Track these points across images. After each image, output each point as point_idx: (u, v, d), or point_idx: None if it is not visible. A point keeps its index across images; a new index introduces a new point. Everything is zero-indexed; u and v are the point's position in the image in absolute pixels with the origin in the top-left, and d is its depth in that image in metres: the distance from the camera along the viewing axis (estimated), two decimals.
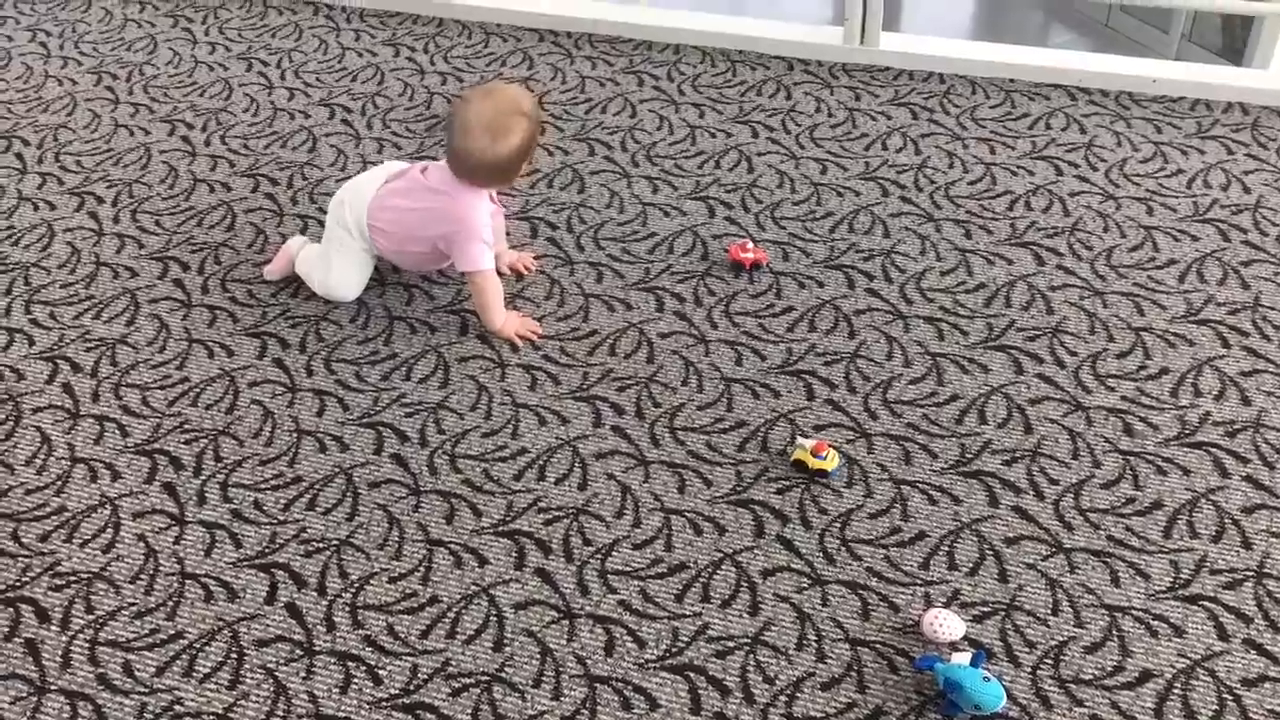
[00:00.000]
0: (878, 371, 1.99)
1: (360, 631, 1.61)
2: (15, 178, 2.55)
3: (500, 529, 1.75)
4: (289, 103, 2.78)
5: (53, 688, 1.56)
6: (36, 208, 2.46)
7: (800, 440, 1.83)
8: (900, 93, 2.73)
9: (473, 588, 1.67)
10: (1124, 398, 1.92)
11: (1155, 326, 2.05)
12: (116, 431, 1.93)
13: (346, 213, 2.07)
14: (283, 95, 2.81)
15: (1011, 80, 2.74)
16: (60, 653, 1.60)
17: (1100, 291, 2.13)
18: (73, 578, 1.70)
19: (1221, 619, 1.59)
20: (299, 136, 2.65)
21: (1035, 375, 1.97)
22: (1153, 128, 2.57)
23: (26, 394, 2.00)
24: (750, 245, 2.21)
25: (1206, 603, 1.61)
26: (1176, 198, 2.36)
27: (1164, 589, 1.63)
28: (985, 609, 1.61)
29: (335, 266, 2.10)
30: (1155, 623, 1.59)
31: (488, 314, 2.07)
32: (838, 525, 1.73)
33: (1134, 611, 1.60)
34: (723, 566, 1.68)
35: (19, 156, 2.62)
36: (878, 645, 1.58)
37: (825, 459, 1.79)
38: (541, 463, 1.85)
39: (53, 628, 1.63)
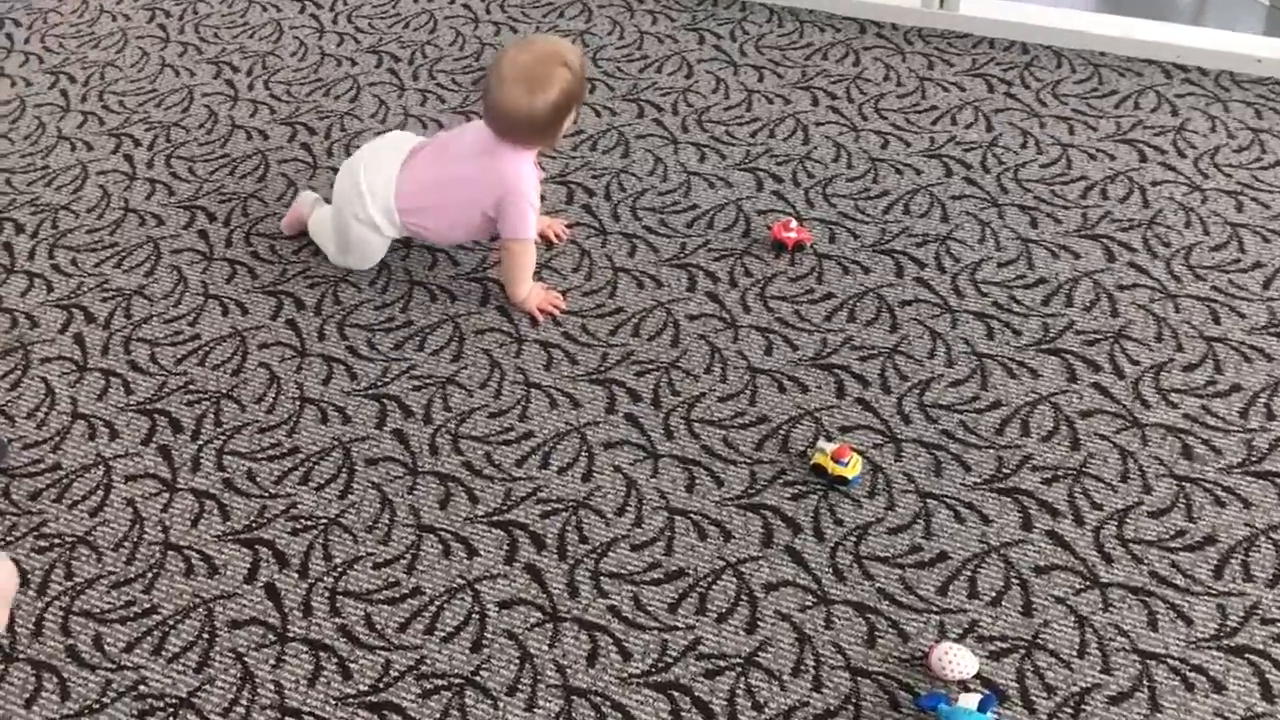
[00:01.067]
0: (917, 370, 1.84)
1: (336, 620, 1.54)
2: (57, 115, 2.51)
3: (495, 518, 1.66)
4: (337, 48, 2.69)
5: (21, 656, 1.52)
6: (74, 147, 2.42)
7: (822, 443, 1.70)
8: (978, 62, 2.53)
9: (458, 580, 1.59)
10: (1186, 415, 1.74)
11: (1231, 337, 1.87)
12: (121, 388, 1.88)
13: (370, 205, 1.91)
14: (332, 40, 2.73)
15: (1102, 54, 2.53)
16: (34, 619, 1.56)
17: (1174, 294, 1.95)
18: (57, 540, 1.66)
19: (1269, 676, 1.44)
20: (343, 85, 2.57)
21: (1090, 384, 1.80)
22: (1252, 112, 2.34)
23: (38, 342, 1.97)
24: (794, 224, 2.07)
25: (1253, 656, 1.45)
26: (1271, 193, 2.14)
27: (1207, 637, 1.47)
28: (1004, 645, 1.48)
29: (353, 255, 2.01)
30: (1192, 675, 1.44)
31: (515, 285, 1.97)
32: (853, 539, 1.61)
33: (1170, 660, 1.45)
34: (724, 576, 1.57)
35: (64, 94, 2.58)
36: (880, 677, 1.46)
37: (847, 465, 1.66)
38: (547, 449, 1.75)
39: (30, 592, 1.59)
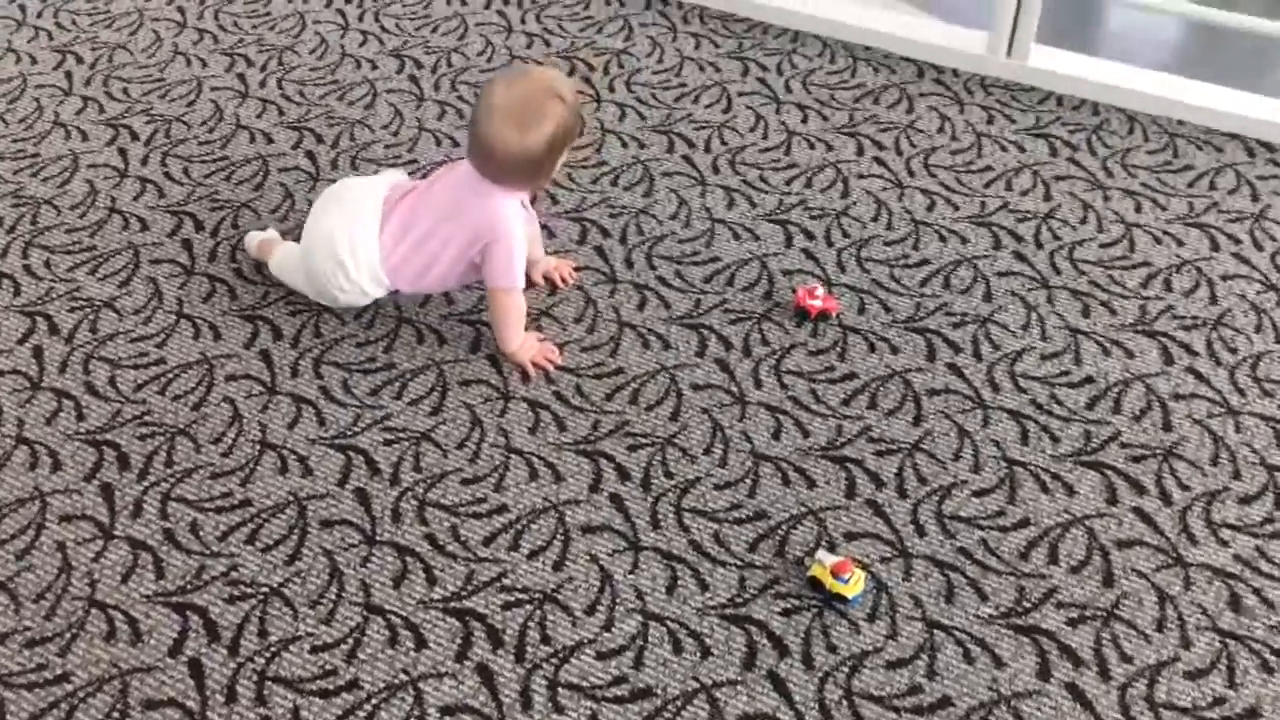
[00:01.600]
0: (938, 473, 1.66)
1: (261, 710, 1.39)
2: (57, 99, 2.38)
3: (452, 604, 1.50)
4: (359, 48, 2.54)
5: None
6: (68, 135, 2.28)
7: (822, 554, 1.52)
8: (1042, 120, 2.33)
9: (401, 675, 1.42)
10: (1237, 557, 1.55)
11: None
12: (73, 412, 1.74)
13: (355, 275, 1.75)
14: (355, 39, 2.57)
15: (1180, 122, 2.31)
16: None
17: (1236, 410, 1.74)
18: None
19: None
20: (359, 89, 2.41)
21: (1131, 508, 1.61)
22: None
23: None
24: (820, 290, 1.89)
25: None
26: None
27: None
28: None
29: (339, 304, 1.86)
30: None
31: (505, 334, 1.80)
32: (845, 669, 1.43)
33: None
34: (696, 700, 1.40)
35: (68, 75, 2.45)
36: None
37: (848, 582, 1.48)
38: (520, 527, 1.59)
39: None
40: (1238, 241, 2.04)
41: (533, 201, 1.90)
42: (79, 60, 2.49)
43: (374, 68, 2.48)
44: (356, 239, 1.74)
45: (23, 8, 2.66)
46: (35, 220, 2.08)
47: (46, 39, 2.56)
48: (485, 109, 1.62)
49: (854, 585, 1.48)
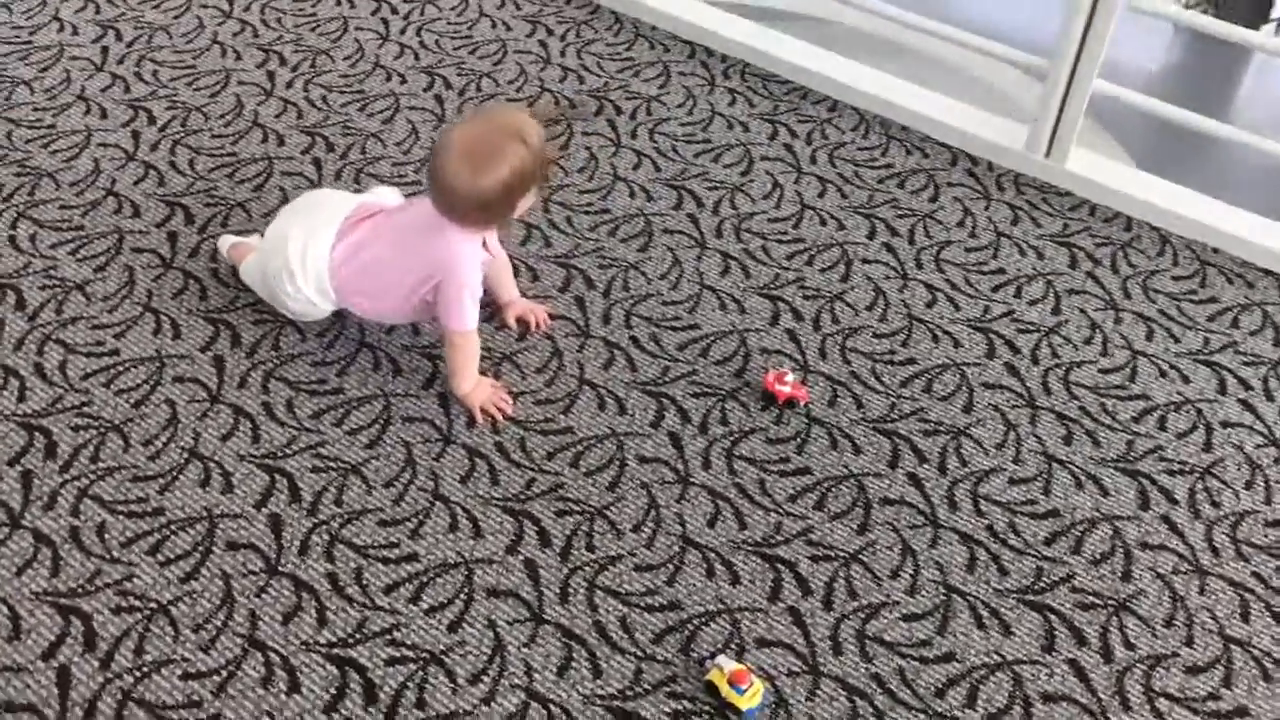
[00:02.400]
0: (870, 590, 1.57)
1: None
2: (88, 73, 2.40)
3: (335, 651, 1.45)
4: (394, 61, 2.52)
5: None
6: (88, 110, 2.29)
7: (723, 659, 1.44)
8: (1070, 228, 2.23)
9: (265, 719, 1.38)
10: None
11: (1255, 644, 1.55)
12: (15, 393, 1.73)
13: (302, 284, 1.73)
14: (392, 50, 2.56)
15: (1215, 250, 2.20)
16: None
17: (1205, 570, 1.63)
18: None
19: None
20: (383, 102, 2.39)
21: (1066, 660, 1.51)
22: None
23: None
24: (790, 376, 1.81)
25: None
26: None
27: None
28: None
29: (291, 312, 1.83)
30: None
31: (457, 377, 1.76)
32: None
33: None
34: None
35: (104, 50, 2.47)
36: None
37: (744, 693, 1.40)
38: (424, 579, 1.54)
39: None
40: (1248, 387, 1.92)
41: (504, 241, 1.85)
42: (119, 37, 2.51)
43: (403, 82, 2.46)
44: (309, 248, 1.72)
45: None
46: (33, 192, 2.09)
47: (94, 11, 2.59)
48: (444, 145, 1.59)
49: (750, 697, 1.41)
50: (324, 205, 1.79)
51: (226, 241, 1.95)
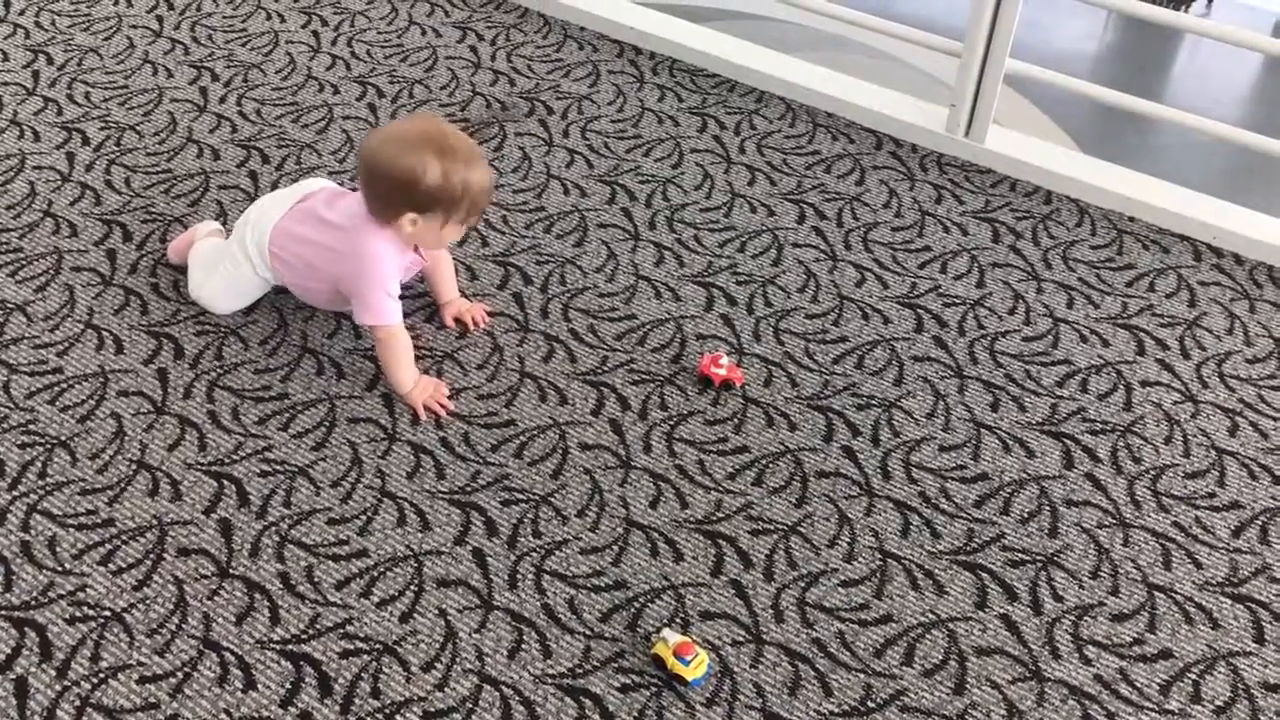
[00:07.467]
0: (810, 559, 1.62)
1: None
2: (20, 97, 2.41)
3: (290, 647, 1.48)
4: (326, 72, 2.55)
5: None
6: (21, 135, 2.30)
7: (668, 631, 1.49)
8: (992, 204, 2.30)
9: (222, 717, 1.41)
10: (1098, 677, 1.50)
11: (1178, 589, 1.61)
12: None
13: (249, 234, 1.83)
14: (324, 62, 2.59)
15: (1131, 219, 2.28)
16: None
17: (1128, 523, 1.70)
18: None
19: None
20: (316, 113, 2.42)
21: (998, 615, 1.57)
22: None
23: None
24: (724, 360, 1.86)
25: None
26: (1274, 420, 1.88)
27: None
28: None
29: (214, 280, 1.90)
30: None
31: (393, 375, 1.80)
32: None
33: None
34: None
35: (35, 75, 2.48)
36: None
37: (689, 664, 1.45)
38: (375, 574, 1.57)
39: None
40: (1165, 347, 2.00)
41: (462, 243, 1.89)
42: (49, 61, 2.52)
43: (335, 92, 2.49)
44: (266, 209, 1.86)
45: (7, 4, 2.70)
46: None
47: (23, 36, 2.60)
48: (377, 129, 1.66)
49: (696, 668, 1.45)
50: (296, 185, 1.93)
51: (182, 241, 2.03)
